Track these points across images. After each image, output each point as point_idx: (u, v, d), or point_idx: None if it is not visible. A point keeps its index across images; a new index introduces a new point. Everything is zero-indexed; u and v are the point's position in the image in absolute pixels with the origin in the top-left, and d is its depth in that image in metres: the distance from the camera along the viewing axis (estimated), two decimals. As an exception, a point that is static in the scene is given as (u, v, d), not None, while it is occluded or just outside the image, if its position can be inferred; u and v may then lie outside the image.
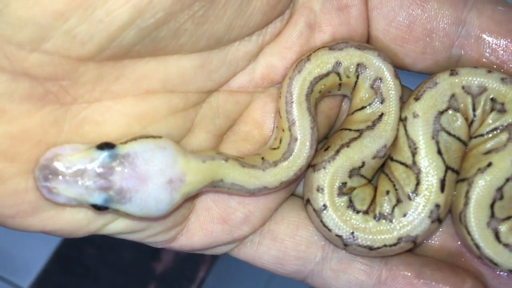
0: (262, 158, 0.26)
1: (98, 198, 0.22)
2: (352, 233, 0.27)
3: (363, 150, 0.27)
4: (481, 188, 0.26)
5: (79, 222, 0.24)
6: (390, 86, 0.27)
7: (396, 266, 0.28)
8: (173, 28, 0.23)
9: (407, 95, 0.28)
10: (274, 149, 0.27)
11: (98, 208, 0.23)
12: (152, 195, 0.23)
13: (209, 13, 0.23)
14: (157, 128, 0.25)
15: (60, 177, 0.22)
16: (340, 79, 0.27)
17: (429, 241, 0.29)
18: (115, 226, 0.25)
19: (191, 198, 0.26)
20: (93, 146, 0.23)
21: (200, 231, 0.27)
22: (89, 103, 0.23)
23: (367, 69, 0.27)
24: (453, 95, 0.27)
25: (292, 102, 0.27)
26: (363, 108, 0.28)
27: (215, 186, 0.25)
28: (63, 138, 0.23)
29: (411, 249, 0.28)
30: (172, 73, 0.25)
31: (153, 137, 0.24)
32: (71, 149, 0.22)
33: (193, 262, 0.70)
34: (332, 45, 0.27)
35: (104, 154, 0.22)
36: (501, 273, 0.28)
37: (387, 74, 0.27)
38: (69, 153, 0.22)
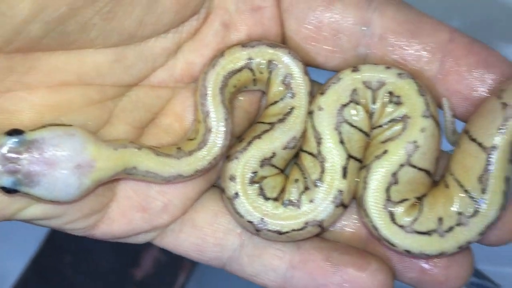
0: (179, 148, 0.29)
1: (6, 181, 0.24)
2: (262, 219, 0.29)
3: (274, 142, 0.29)
4: (377, 173, 0.28)
5: None
6: (300, 82, 0.29)
7: (307, 250, 0.30)
8: (80, 22, 0.25)
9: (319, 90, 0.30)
10: (191, 139, 0.29)
11: (8, 191, 0.25)
12: (60, 179, 0.25)
13: (116, 9, 0.25)
14: (72, 118, 0.27)
15: None
16: (253, 74, 0.29)
17: (344, 228, 0.31)
18: (31, 212, 0.27)
19: (108, 186, 0.28)
20: (2, 133, 0.25)
21: (120, 219, 0.29)
22: (1, 93, 0.25)
23: (278, 66, 0.29)
24: (355, 90, 0.29)
25: (206, 95, 0.29)
26: (275, 102, 0.30)
27: (129, 173, 0.27)
28: None
29: (320, 234, 0.30)
30: (87, 66, 0.27)
31: (63, 125, 0.26)
32: None
33: (173, 268, 0.71)
34: (245, 43, 0.29)
35: (13, 139, 0.24)
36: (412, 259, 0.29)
37: (297, 71, 0.29)
38: None
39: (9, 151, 0.24)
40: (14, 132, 0.25)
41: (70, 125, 0.26)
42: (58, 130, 0.25)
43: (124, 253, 0.71)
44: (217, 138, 0.29)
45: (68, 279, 0.70)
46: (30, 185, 0.25)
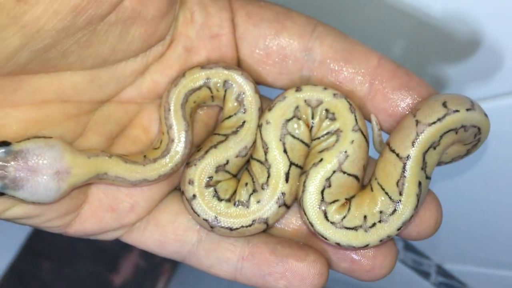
0: (145, 156, 0.33)
1: None
2: (216, 217, 0.33)
3: (228, 151, 0.33)
4: (314, 178, 0.32)
5: None
6: (251, 99, 0.34)
7: (255, 244, 0.34)
8: (61, 50, 0.28)
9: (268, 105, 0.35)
10: (156, 148, 0.33)
11: None
12: (42, 184, 0.29)
13: (92, 39, 0.29)
14: (52, 131, 0.30)
15: None
16: (211, 92, 0.33)
17: (288, 225, 0.35)
18: (14, 212, 0.30)
19: (82, 189, 0.32)
20: None
21: (91, 218, 0.33)
22: None
23: (232, 85, 0.33)
24: (297, 107, 0.33)
25: (170, 110, 0.33)
26: (230, 117, 0.34)
27: (101, 178, 0.31)
28: None
29: (266, 230, 0.35)
30: (65, 86, 0.30)
31: (44, 137, 0.30)
32: None
33: (152, 273, 0.72)
34: (204, 65, 0.33)
35: (1, 150, 0.28)
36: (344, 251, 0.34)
37: (248, 90, 0.34)
38: None
39: None
40: (2, 144, 0.28)
41: (51, 137, 0.30)
42: (40, 141, 0.29)
43: (104, 259, 0.71)
44: (178, 147, 0.33)
45: (47, 285, 0.70)
46: (15, 188, 0.28)
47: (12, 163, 0.28)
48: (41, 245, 0.72)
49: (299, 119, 0.33)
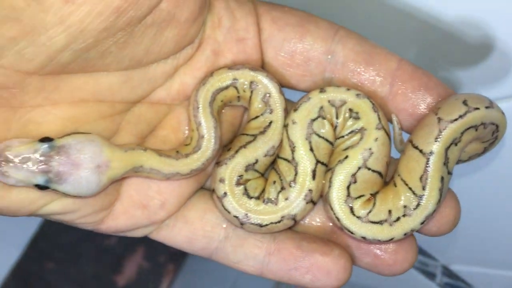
0: (177, 151, 0.34)
1: (40, 180, 0.29)
2: (246, 214, 0.34)
3: (257, 150, 0.35)
4: (340, 174, 0.34)
5: (22, 201, 0.30)
6: (276, 100, 0.35)
7: (281, 240, 0.35)
8: (100, 50, 0.29)
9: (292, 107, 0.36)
10: (187, 145, 0.34)
11: (41, 188, 0.30)
12: (83, 177, 0.30)
13: (129, 40, 0.30)
14: (88, 130, 0.31)
15: (11, 163, 0.29)
16: (238, 92, 0.35)
17: (311, 222, 0.37)
18: (52, 207, 0.31)
19: (114, 186, 0.33)
20: (36, 140, 0.30)
21: (123, 215, 0.34)
22: (33, 107, 0.30)
23: (258, 86, 0.35)
24: (321, 107, 0.35)
25: (198, 107, 0.34)
26: (257, 117, 0.35)
27: (137, 172, 0.32)
28: (11, 134, 0.29)
29: (293, 226, 0.36)
30: (101, 86, 0.31)
31: (84, 133, 0.31)
32: (19, 142, 0.29)
33: (156, 274, 0.72)
34: (231, 66, 0.34)
35: (45, 145, 0.29)
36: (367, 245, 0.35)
37: (274, 91, 0.35)
38: (17, 145, 0.29)
39: (41, 155, 0.29)
40: (46, 139, 0.30)
41: (90, 133, 0.31)
42: (80, 137, 0.30)
43: (107, 260, 0.72)
44: (209, 143, 0.34)
45: (51, 285, 0.70)
46: (59, 182, 0.29)
47: (56, 157, 0.29)
48: (45, 246, 0.72)
49: (323, 118, 0.35)
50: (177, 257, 0.72)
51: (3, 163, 0.29)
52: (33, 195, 0.31)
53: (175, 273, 0.73)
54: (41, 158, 0.29)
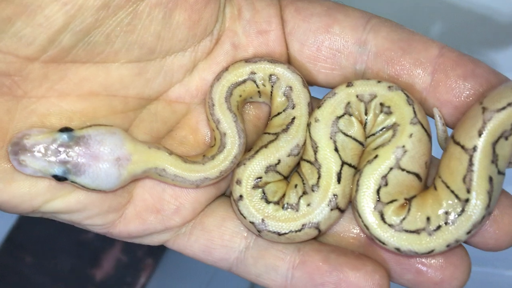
0: (204, 155, 0.32)
1: (58, 170, 0.28)
2: (263, 220, 0.31)
3: (279, 150, 0.32)
4: (369, 176, 0.30)
5: (23, 196, 0.29)
6: (299, 93, 0.32)
7: (306, 252, 0.31)
8: (104, 33, 0.28)
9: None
10: (212, 146, 0.32)
11: (59, 179, 0.29)
12: (103, 170, 0.29)
13: (135, 22, 0.29)
14: None
15: (28, 152, 0.28)
16: (257, 86, 0.32)
17: (345, 233, 0.32)
18: (55, 205, 0.30)
19: (127, 188, 0.31)
20: (56, 130, 0.29)
21: (136, 219, 0.32)
22: (38, 98, 0.29)
23: (279, 79, 0.32)
24: (349, 103, 0.31)
25: (213, 105, 0.32)
26: (279, 114, 0.32)
27: (160, 174, 0.31)
28: (14, 125, 0.29)
29: (318, 236, 0.32)
30: (113, 78, 0.30)
31: (105, 125, 0.30)
32: (38, 131, 0.29)
33: (134, 268, 0.71)
34: (248, 59, 0.32)
35: (64, 135, 0.28)
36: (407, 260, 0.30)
37: (296, 83, 0.32)
38: (36, 133, 0.28)
39: (60, 145, 0.28)
40: (65, 129, 0.29)
41: (111, 126, 0.30)
42: (102, 128, 0.29)
43: (85, 254, 0.70)
44: (233, 139, 0.31)
45: (28, 279, 0.69)
46: (77, 174, 0.28)
47: (75, 148, 0.28)
48: (23, 239, 0.72)
49: (350, 115, 0.31)
50: (155, 251, 0.71)
51: (20, 151, 0.28)
52: (35, 190, 0.30)
53: (154, 267, 0.71)
54: (60, 148, 0.28)
